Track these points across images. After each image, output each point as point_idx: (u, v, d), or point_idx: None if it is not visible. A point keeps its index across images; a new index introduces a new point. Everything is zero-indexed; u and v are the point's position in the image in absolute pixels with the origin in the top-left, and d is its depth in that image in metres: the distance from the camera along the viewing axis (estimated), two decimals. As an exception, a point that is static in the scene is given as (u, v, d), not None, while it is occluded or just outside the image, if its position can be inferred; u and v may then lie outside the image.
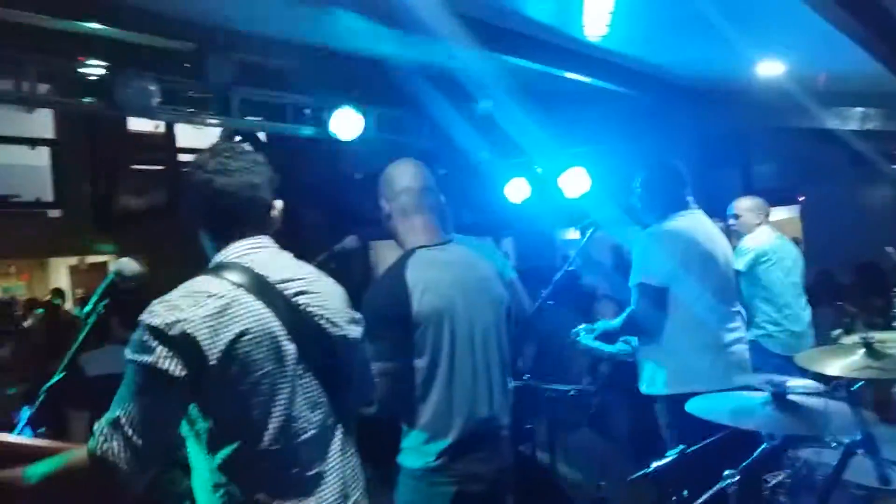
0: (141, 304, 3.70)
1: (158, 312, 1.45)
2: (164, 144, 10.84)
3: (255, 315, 1.48)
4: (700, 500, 2.28)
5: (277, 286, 1.56)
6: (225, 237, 1.64)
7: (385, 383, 2.12)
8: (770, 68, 5.16)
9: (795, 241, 5.52)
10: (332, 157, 9.06)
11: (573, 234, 10.77)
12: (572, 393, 3.87)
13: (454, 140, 6.85)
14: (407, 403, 2.20)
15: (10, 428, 2.07)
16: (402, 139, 6.84)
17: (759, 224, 4.69)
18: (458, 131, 6.77)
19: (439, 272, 2.25)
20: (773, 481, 2.48)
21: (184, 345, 1.41)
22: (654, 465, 2.50)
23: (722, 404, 2.29)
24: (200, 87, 5.46)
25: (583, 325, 3.64)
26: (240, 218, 1.64)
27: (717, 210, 5.00)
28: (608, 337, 3.63)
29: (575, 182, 5.77)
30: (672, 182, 3.47)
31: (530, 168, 7.01)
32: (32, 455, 1.62)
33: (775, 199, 6.16)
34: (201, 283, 1.51)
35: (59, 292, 10.87)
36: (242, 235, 1.64)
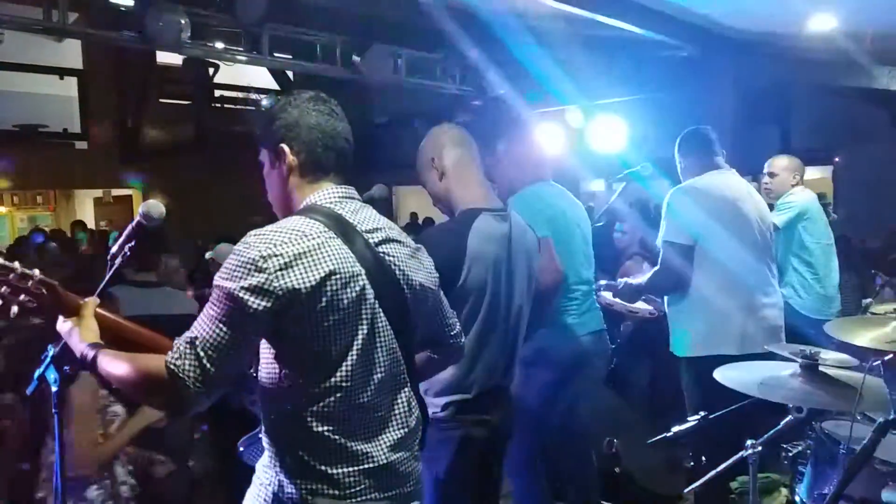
0: (154, 246, 3.65)
1: (254, 244, 1.49)
2: (194, 78, 10.76)
3: (343, 258, 1.53)
4: (720, 468, 2.27)
5: (364, 234, 1.60)
6: (318, 179, 1.66)
7: None
8: (821, 22, 4.95)
9: (823, 200, 5.36)
10: (358, 100, 8.96)
11: (598, 185, 10.66)
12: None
13: (484, 87, 6.74)
14: None
15: (37, 364, 2.08)
16: (432, 84, 6.73)
17: (794, 184, 4.55)
18: (488, 78, 6.66)
19: (495, 246, 2.25)
20: (794, 451, 2.46)
21: (275, 279, 1.46)
22: (675, 429, 2.48)
23: (750, 374, 2.25)
24: (231, 22, 5.37)
25: (603, 282, 3.59)
26: (341, 163, 1.68)
27: (753, 167, 4.89)
28: (629, 295, 3.58)
29: (606, 133, 5.64)
30: (700, 146, 3.39)
31: (561, 116, 6.89)
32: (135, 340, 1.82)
33: (810, 158, 6.00)
34: (295, 221, 1.56)
35: (82, 226, 10.95)
36: (336, 182, 1.67)
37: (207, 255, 2.01)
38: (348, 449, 1.58)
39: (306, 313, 1.49)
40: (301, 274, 1.48)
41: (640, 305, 3.85)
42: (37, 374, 2.09)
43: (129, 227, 2.00)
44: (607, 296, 3.64)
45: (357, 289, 1.54)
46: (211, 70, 10.78)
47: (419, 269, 1.73)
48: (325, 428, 1.56)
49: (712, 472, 2.28)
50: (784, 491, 2.60)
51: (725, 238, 3.16)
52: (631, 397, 4.27)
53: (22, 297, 1.71)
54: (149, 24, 4.86)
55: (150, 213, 1.98)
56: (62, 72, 10.52)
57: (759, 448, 2.20)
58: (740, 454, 2.23)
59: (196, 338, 1.47)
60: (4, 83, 10.18)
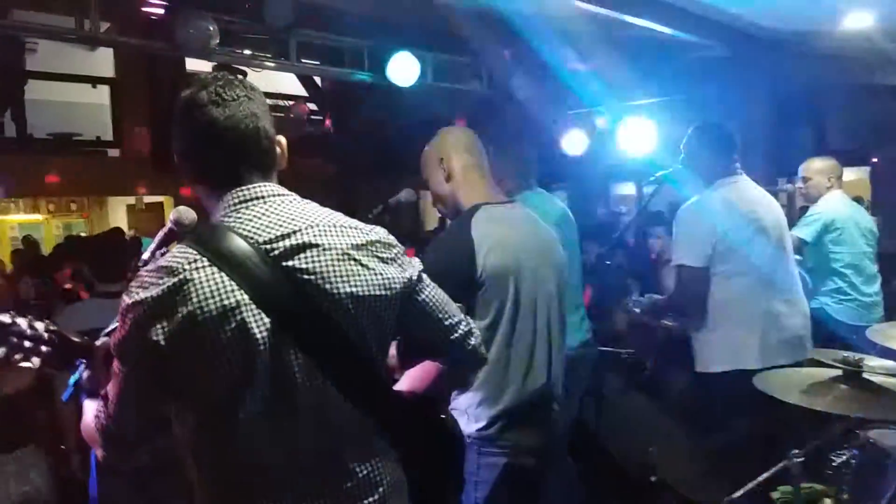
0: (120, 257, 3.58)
1: (130, 290, 1.32)
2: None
3: (213, 291, 1.27)
4: (760, 478, 2.20)
5: (260, 247, 1.33)
6: (224, 184, 1.41)
7: None
8: (856, 20, 4.83)
9: (859, 201, 5.22)
10: (386, 104, 8.96)
11: (628, 189, 10.55)
12: (626, 356, 3.79)
13: (512, 89, 6.69)
14: None
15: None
16: (458, 87, 6.70)
17: (830, 188, 4.40)
18: (514, 79, 6.60)
19: (506, 231, 2.17)
20: (839, 461, 2.38)
21: (137, 329, 1.28)
22: (713, 437, 2.42)
23: (791, 381, 2.18)
24: (259, 28, 5.40)
25: (634, 297, 3.54)
26: (242, 156, 1.41)
27: (787, 170, 4.78)
28: (654, 313, 3.51)
29: (637, 136, 5.57)
30: (717, 145, 3.25)
31: (589, 119, 6.82)
32: None
33: (846, 159, 5.85)
34: (172, 254, 1.35)
35: (121, 233, 11.09)
36: (241, 180, 1.40)
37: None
38: None
39: (174, 364, 1.28)
40: (159, 323, 1.27)
41: (669, 320, 3.78)
42: (72, 380, 2.10)
43: (161, 234, 1.99)
44: (636, 310, 3.59)
45: (232, 326, 1.27)
46: (240, 76, 10.89)
47: (362, 269, 1.40)
48: (227, 491, 1.35)
49: (753, 482, 2.22)
50: (828, 501, 2.52)
51: (740, 251, 3.05)
52: (667, 406, 4.20)
53: (41, 347, 1.66)
54: (178, 31, 4.89)
55: (181, 220, 1.97)
56: (95, 80, 10.69)
57: (802, 457, 2.14)
58: (782, 463, 2.16)
59: (106, 393, 1.39)
60: (39, 93, 10.37)
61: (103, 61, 10.68)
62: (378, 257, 1.44)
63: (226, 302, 1.28)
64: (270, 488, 1.34)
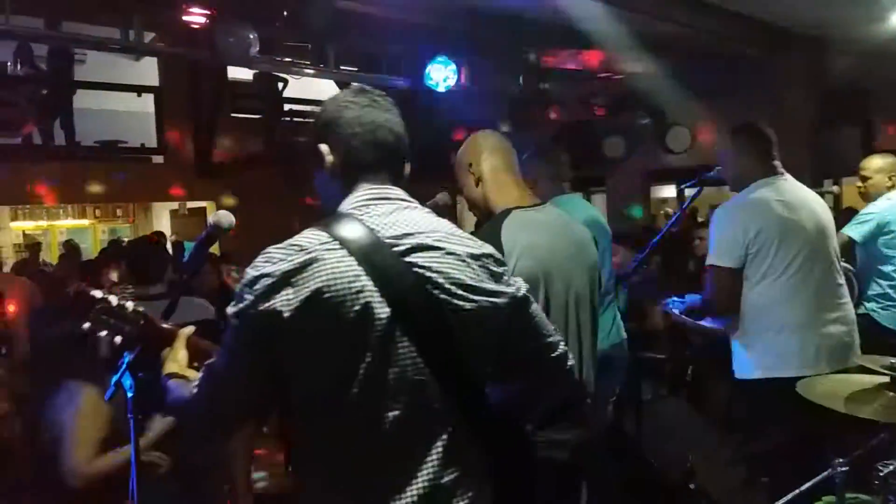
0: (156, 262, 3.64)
1: (257, 262, 1.37)
2: (265, 93, 11.04)
3: (340, 273, 1.33)
4: (803, 487, 2.15)
5: (386, 241, 1.39)
6: (355, 179, 1.50)
7: None
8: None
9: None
10: (424, 108, 9.00)
11: (669, 191, 10.42)
12: (666, 361, 3.74)
13: (550, 93, 6.67)
14: None
15: (113, 371, 2.14)
16: (495, 90, 6.71)
17: (890, 186, 4.21)
18: (554, 84, 6.58)
19: (536, 235, 2.16)
20: (886, 470, 2.31)
21: (263, 299, 1.32)
22: (753, 446, 2.37)
23: (836, 388, 2.13)
24: (298, 36, 5.47)
25: (673, 298, 3.48)
26: (383, 157, 1.51)
27: (834, 170, 4.67)
28: (693, 314, 3.44)
29: (677, 138, 5.51)
30: (752, 147, 3.13)
31: (630, 122, 6.76)
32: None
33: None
34: (302, 235, 1.40)
35: (163, 237, 11.34)
36: (377, 180, 1.49)
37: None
38: None
39: (292, 339, 1.33)
40: (286, 294, 1.31)
41: (708, 322, 3.70)
42: (113, 380, 2.15)
43: (201, 237, 2.03)
44: (675, 312, 3.53)
45: (356, 308, 1.32)
46: (280, 84, 11.04)
47: (476, 278, 1.44)
48: (323, 477, 1.39)
49: (795, 492, 2.17)
50: (874, 512, 2.45)
51: (778, 254, 2.95)
52: (706, 412, 4.13)
53: (124, 327, 1.73)
54: (219, 40, 4.99)
55: (220, 223, 2.01)
56: (140, 89, 10.93)
57: (847, 467, 2.08)
58: (826, 473, 2.11)
59: (211, 366, 1.42)
60: (87, 102, 10.65)
61: (148, 71, 10.93)
62: (489, 271, 1.48)
63: (352, 284, 1.33)
64: (365, 474, 1.38)
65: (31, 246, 11.05)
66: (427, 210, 1.52)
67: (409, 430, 1.37)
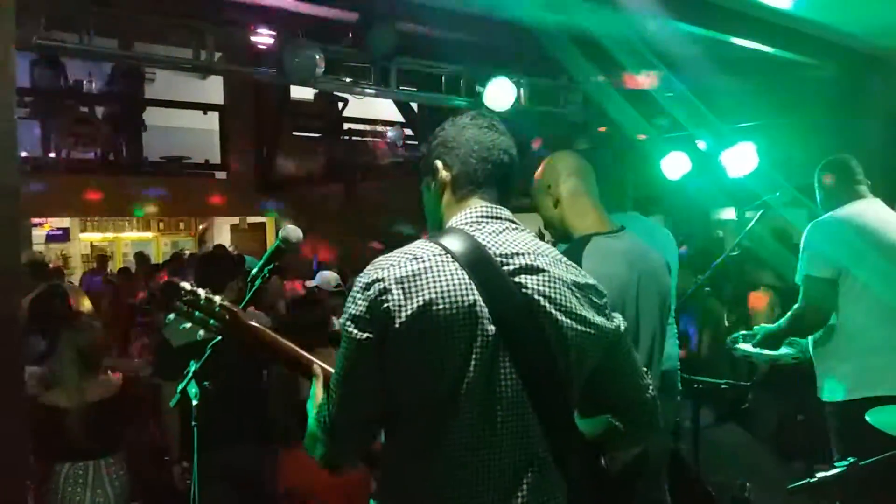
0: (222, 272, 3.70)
1: (368, 270, 1.38)
2: (325, 112, 11.28)
3: (453, 285, 1.33)
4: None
5: (496, 258, 1.40)
6: (468, 196, 1.52)
7: None
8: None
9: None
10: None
11: (729, 214, 10.19)
12: (725, 387, 3.65)
13: (608, 113, 6.63)
14: None
15: (181, 378, 2.21)
16: (555, 111, 6.70)
17: None
18: (612, 104, 6.55)
19: (615, 265, 2.15)
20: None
21: (376, 305, 1.33)
22: (819, 475, 2.29)
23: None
24: (361, 57, 5.58)
25: (741, 332, 3.42)
26: (497, 177, 1.53)
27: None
28: (771, 342, 3.35)
29: (741, 159, 5.40)
30: (842, 175, 3.20)
31: (690, 142, 6.66)
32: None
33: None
34: (415, 244, 1.42)
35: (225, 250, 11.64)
36: (487, 199, 1.51)
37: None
38: None
39: (400, 345, 1.33)
40: (398, 300, 1.32)
41: (784, 350, 3.61)
42: (179, 387, 2.22)
43: (269, 251, 2.10)
44: (745, 347, 3.46)
45: (466, 321, 1.33)
46: (340, 104, 11.27)
47: (580, 306, 1.43)
48: (416, 489, 1.38)
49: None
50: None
51: (874, 269, 2.93)
52: (764, 438, 4.02)
53: (209, 320, 1.79)
54: (286, 60, 5.12)
55: (289, 237, 2.07)
56: (205, 107, 11.29)
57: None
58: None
59: (335, 378, 1.43)
60: (154, 118, 11.05)
61: (213, 90, 11.28)
62: (591, 302, 1.48)
63: (464, 297, 1.34)
64: (458, 490, 1.36)
65: (100, 257, 11.45)
66: (534, 234, 1.53)
67: (502, 451, 1.36)
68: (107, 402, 3.47)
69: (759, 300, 4.75)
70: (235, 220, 13.85)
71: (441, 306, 1.32)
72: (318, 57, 5.13)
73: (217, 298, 1.80)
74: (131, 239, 14.36)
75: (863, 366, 2.92)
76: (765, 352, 3.46)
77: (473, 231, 1.44)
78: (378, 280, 1.35)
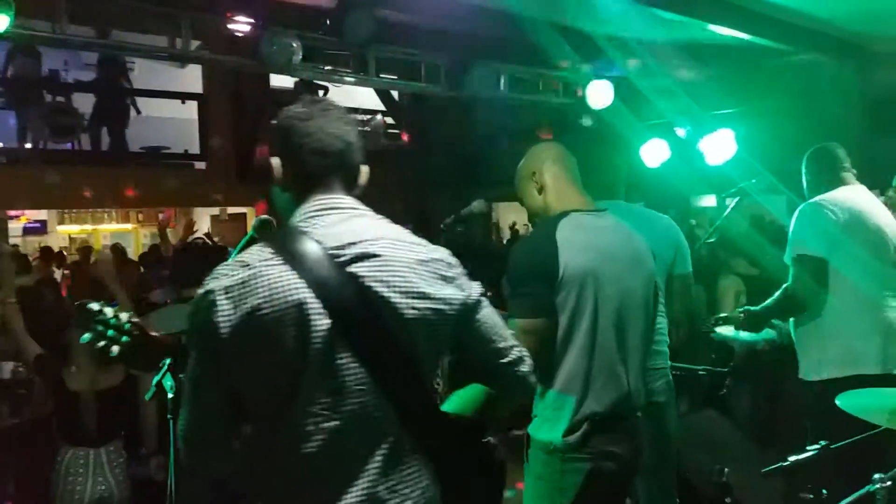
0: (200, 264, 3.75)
1: (205, 281, 1.41)
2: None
3: (280, 287, 1.35)
4: (843, 503, 2.10)
5: (330, 252, 1.40)
6: (305, 191, 1.51)
7: (529, 341, 1.99)
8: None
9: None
10: (462, 117, 9.02)
11: (709, 201, 10.26)
12: (703, 373, 3.68)
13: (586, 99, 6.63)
14: (545, 366, 2.09)
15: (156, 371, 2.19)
16: (535, 98, 6.70)
17: None
18: (589, 89, 6.54)
19: (591, 235, 2.18)
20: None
21: (207, 317, 1.36)
22: (792, 458, 2.32)
23: (879, 401, 2.09)
24: (339, 44, 5.54)
25: (719, 315, 3.45)
26: (328, 168, 1.51)
27: (881, 180, 4.56)
28: (755, 323, 3.37)
29: (719, 146, 5.43)
30: (827, 163, 3.29)
31: (669, 130, 6.68)
32: None
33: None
34: (250, 250, 1.44)
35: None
36: (324, 191, 1.50)
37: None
38: None
39: (236, 353, 1.36)
40: (226, 310, 1.34)
41: (764, 334, 3.63)
42: (154, 380, 2.20)
43: (243, 242, 2.08)
44: (726, 331, 3.48)
45: (294, 321, 1.34)
46: (321, 92, 11.18)
47: (422, 283, 1.44)
48: (267, 486, 1.41)
49: (835, 507, 2.12)
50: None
51: (860, 253, 3.00)
52: (742, 424, 4.06)
53: (122, 338, 1.83)
54: (263, 48, 5.08)
55: (263, 228, 2.05)
56: (184, 96, 11.16)
57: (889, 482, 2.03)
58: (866, 488, 2.06)
59: (184, 386, 1.45)
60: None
61: (192, 78, 11.16)
62: (440, 275, 1.49)
63: (290, 298, 1.35)
64: (305, 483, 1.40)
65: (83, 249, 11.32)
66: (379, 217, 1.53)
67: (350, 439, 1.39)
68: (114, 389, 3.51)
69: (727, 288, 4.82)
70: (216, 210, 13.75)
71: (267, 310, 1.34)
72: (295, 45, 5.09)
73: (124, 316, 1.84)
74: (110, 231, 14.24)
75: (847, 345, 2.98)
76: (743, 335, 3.49)
77: (308, 227, 1.45)
78: (208, 292, 1.37)
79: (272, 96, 11.45)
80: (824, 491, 2.74)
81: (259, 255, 1.40)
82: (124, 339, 1.83)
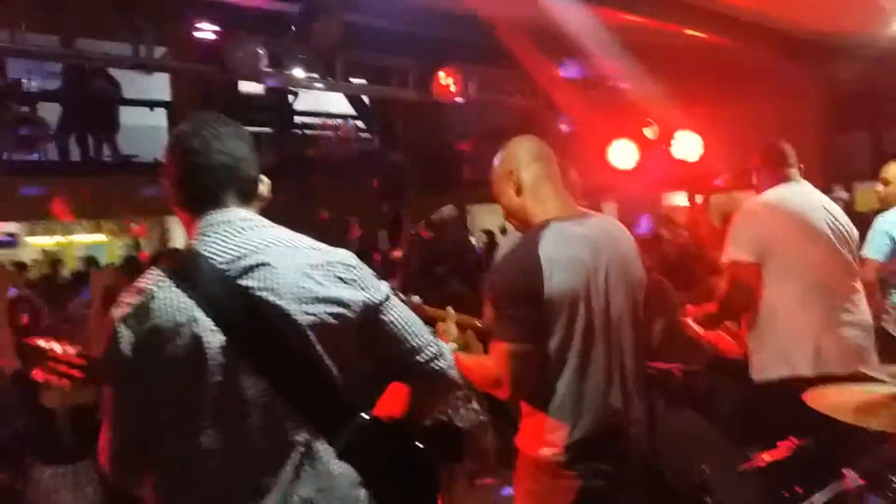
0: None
1: (110, 310, 1.43)
2: (274, 106, 11.11)
3: (173, 308, 1.37)
4: (813, 498, 2.12)
5: (220, 267, 1.41)
6: (200, 210, 1.50)
7: (515, 366, 1.96)
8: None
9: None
10: (433, 121, 9.01)
11: (681, 200, 10.37)
12: (678, 373, 3.69)
13: (555, 101, 6.67)
14: (535, 387, 2.04)
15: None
16: (503, 100, 6.71)
17: None
18: (560, 91, 6.58)
19: (575, 248, 2.07)
20: (900, 481, 2.27)
21: (112, 344, 1.39)
22: (765, 457, 2.34)
23: (844, 398, 2.10)
24: (306, 50, 5.50)
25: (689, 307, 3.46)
26: (215, 183, 1.50)
27: (844, 175, 4.63)
28: (709, 323, 3.41)
29: (687, 145, 5.49)
30: (772, 160, 3.25)
31: (637, 130, 6.73)
32: None
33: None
34: (144, 275, 1.45)
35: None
36: (216, 207, 1.49)
37: None
38: None
39: (138, 376, 1.38)
40: (125, 336, 1.37)
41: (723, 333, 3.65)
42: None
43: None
44: (692, 324, 3.50)
45: (186, 341, 1.35)
46: (291, 97, 11.10)
47: (317, 286, 1.44)
48: (184, 499, 1.42)
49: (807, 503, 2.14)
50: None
51: (795, 253, 3.00)
52: (717, 423, 4.08)
53: (72, 371, 1.78)
54: (228, 55, 5.03)
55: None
56: (152, 104, 11.03)
57: (860, 479, 2.05)
58: (839, 485, 2.08)
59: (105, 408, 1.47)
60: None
61: (160, 85, 11.03)
62: (337, 277, 1.47)
63: (180, 318, 1.36)
64: (220, 497, 1.41)
65: (53, 262, 11.10)
66: (272, 225, 1.53)
67: (259, 451, 1.39)
68: (89, 404, 3.45)
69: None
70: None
71: (162, 333, 1.35)
72: (261, 51, 5.05)
73: (71, 350, 1.80)
74: (84, 243, 14.01)
75: (782, 346, 2.99)
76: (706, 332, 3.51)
77: (200, 245, 1.45)
78: (113, 320, 1.39)
79: (242, 101, 11.37)
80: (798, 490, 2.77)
81: (152, 279, 1.42)
82: (74, 372, 1.78)
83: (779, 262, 3.00)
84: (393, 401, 1.63)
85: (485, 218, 13.14)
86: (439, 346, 1.61)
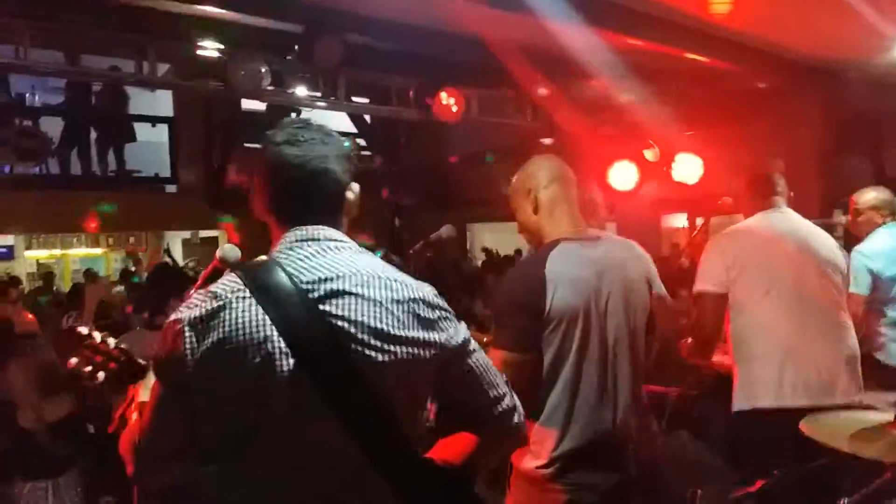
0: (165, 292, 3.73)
1: (178, 309, 1.36)
2: (277, 124, 11.17)
3: (246, 321, 1.30)
4: (810, 526, 2.11)
5: (301, 287, 1.34)
6: (288, 221, 1.44)
7: (509, 374, 2.00)
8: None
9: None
10: (433, 140, 9.06)
11: (680, 221, 10.38)
12: (673, 396, 3.69)
13: (556, 121, 6.70)
14: (527, 399, 2.08)
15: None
16: (505, 121, 6.75)
17: (882, 223, 4.09)
18: (562, 113, 6.61)
19: (581, 269, 2.12)
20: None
21: (173, 346, 1.32)
22: (759, 483, 2.32)
23: (839, 426, 2.10)
24: (308, 69, 5.54)
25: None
26: (307, 195, 1.43)
27: (844, 201, 4.62)
28: (699, 354, 3.38)
29: (687, 167, 5.51)
30: (758, 187, 3.18)
31: (637, 152, 6.75)
32: None
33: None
34: (220, 281, 1.39)
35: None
36: (305, 220, 1.43)
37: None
38: None
39: (198, 385, 1.31)
40: (192, 341, 1.30)
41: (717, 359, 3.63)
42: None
43: (207, 270, 2.05)
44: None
45: (257, 359, 1.29)
46: (293, 115, 11.14)
47: (397, 325, 1.37)
48: None
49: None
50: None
51: (762, 282, 2.90)
52: (715, 447, 4.06)
53: (109, 364, 1.76)
54: (231, 73, 5.07)
55: (226, 257, 2.02)
56: (154, 120, 11.09)
57: (854, 507, 2.04)
58: (832, 513, 2.07)
59: (147, 404, 1.42)
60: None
61: (163, 101, 11.10)
62: (418, 316, 1.41)
63: (255, 334, 1.30)
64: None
65: (46, 275, 11.13)
66: (360, 250, 1.46)
67: (316, 486, 1.34)
68: (66, 420, 3.47)
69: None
70: (188, 234, 13.63)
71: (232, 345, 1.29)
72: (263, 70, 5.09)
73: (111, 341, 1.78)
74: (80, 255, 14.02)
75: (747, 377, 2.90)
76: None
77: (283, 259, 1.38)
78: (177, 321, 1.33)
79: (244, 119, 11.43)
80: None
81: (229, 287, 1.35)
82: (111, 365, 1.76)
83: (746, 292, 2.91)
84: (455, 447, 1.54)
85: (484, 236, 13.19)
86: (514, 399, 1.54)
